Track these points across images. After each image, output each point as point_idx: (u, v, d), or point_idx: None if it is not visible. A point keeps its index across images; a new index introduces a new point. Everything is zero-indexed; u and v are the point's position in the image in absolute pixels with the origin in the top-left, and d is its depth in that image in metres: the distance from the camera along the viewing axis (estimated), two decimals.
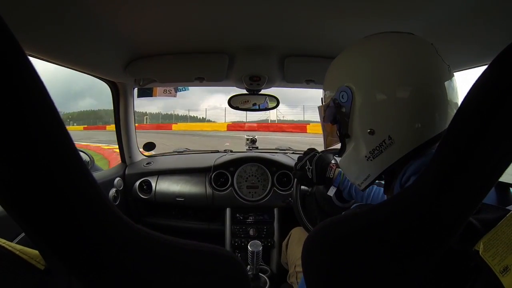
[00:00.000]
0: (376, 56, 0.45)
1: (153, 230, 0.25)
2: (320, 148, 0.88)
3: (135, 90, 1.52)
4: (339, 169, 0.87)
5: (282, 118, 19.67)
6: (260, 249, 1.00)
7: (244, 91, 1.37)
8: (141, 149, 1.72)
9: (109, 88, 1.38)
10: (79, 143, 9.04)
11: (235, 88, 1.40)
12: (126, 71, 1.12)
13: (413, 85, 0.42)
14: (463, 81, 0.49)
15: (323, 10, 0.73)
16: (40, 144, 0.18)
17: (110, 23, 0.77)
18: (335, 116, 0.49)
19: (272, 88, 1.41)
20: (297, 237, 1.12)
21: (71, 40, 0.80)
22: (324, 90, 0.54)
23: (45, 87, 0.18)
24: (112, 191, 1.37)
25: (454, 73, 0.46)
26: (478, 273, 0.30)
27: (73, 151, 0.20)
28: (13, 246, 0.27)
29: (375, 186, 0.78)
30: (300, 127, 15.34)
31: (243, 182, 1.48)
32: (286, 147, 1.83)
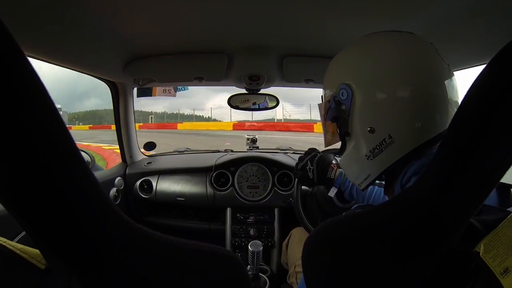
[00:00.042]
0: (376, 55, 0.45)
1: (154, 229, 0.25)
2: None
3: (135, 90, 1.52)
4: (340, 170, 0.87)
5: (288, 117, 19.54)
6: (261, 249, 1.00)
7: (244, 91, 1.37)
8: (142, 149, 1.72)
9: None
10: (80, 143, 9.01)
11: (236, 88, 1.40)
12: (125, 71, 1.12)
13: (413, 84, 0.42)
14: (463, 80, 0.49)
15: (322, 10, 0.73)
16: (40, 143, 0.18)
17: (109, 23, 0.77)
18: (335, 114, 0.49)
19: (277, 87, 1.41)
20: (298, 237, 1.12)
21: (70, 40, 0.80)
22: (324, 87, 0.54)
23: (45, 87, 0.18)
24: (113, 191, 1.37)
25: (454, 73, 0.46)
26: (478, 274, 0.30)
27: (74, 151, 0.20)
28: (14, 245, 0.27)
29: (376, 187, 0.78)
30: (306, 126, 15.05)
31: (244, 182, 1.48)
32: (286, 147, 1.83)
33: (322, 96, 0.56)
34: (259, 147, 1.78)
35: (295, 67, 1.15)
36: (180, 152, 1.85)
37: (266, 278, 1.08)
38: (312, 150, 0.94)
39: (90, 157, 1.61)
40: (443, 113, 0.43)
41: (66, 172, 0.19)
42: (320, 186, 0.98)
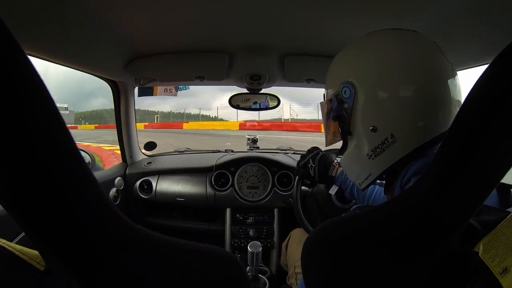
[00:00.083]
0: (379, 52, 0.44)
1: (153, 230, 0.25)
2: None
3: (136, 89, 1.52)
4: (342, 169, 0.87)
5: (296, 117, 19.39)
6: (260, 250, 1.00)
7: (245, 91, 1.37)
8: (144, 150, 1.72)
9: None
10: (81, 143, 8.99)
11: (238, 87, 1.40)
12: (126, 70, 1.12)
13: (416, 83, 0.41)
14: (464, 81, 0.49)
15: (323, 10, 0.73)
16: (40, 143, 0.18)
17: (110, 22, 0.77)
18: (337, 112, 0.49)
19: (279, 86, 1.41)
20: (297, 238, 1.12)
21: (71, 39, 0.80)
22: (327, 86, 0.53)
23: (45, 87, 0.18)
24: (113, 191, 1.37)
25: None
26: (478, 274, 0.30)
27: (74, 151, 0.20)
28: (13, 246, 0.27)
29: (377, 187, 0.78)
30: (314, 126, 14.86)
31: (244, 182, 1.48)
32: (287, 147, 1.83)
33: (324, 94, 0.55)
34: (260, 147, 1.78)
35: (296, 67, 1.14)
36: (180, 152, 1.85)
37: (266, 279, 1.08)
38: (314, 148, 0.94)
39: (90, 157, 1.61)
40: (446, 113, 0.42)
41: (66, 172, 0.19)
42: (320, 187, 0.98)
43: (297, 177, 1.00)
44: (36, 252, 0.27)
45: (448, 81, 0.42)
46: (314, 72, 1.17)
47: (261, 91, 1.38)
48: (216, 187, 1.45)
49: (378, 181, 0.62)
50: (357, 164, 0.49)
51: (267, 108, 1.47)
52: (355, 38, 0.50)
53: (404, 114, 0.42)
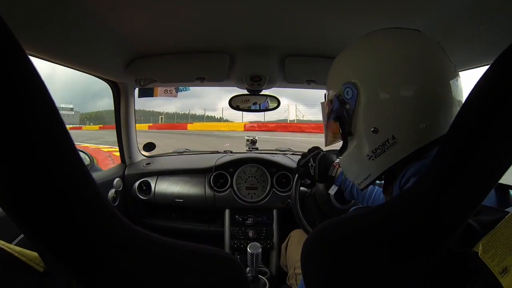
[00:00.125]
0: (382, 53, 0.44)
1: (152, 231, 0.25)
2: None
3: (136, 90, 1.52)
4: (342, 169, 0.87)
5: (302, 118, 19.23)
6: (260, 251, 1.00)
7: (245, 92, 1.37)
8: (143, 151, 1.72)
9: None
10: (80, 144, 8.90)
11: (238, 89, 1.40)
12: (127, 71, 1.12)
13: (419, 84, 0.41)
14: (463, 81, 0.49)
15: (323, 10, 0.73)
16: (39, 144, 0.18)
17: (111, 23, 0.77)
18: (338, 113, 0.49)
19: (279, 87, 1.41)
20: (297, 239, 1.12)
21: (72, 39, 0.80)
22: (328, 86, 0.53)
23: (46, 87, 0.18)
24: (111, 192, 1.36)
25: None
26: (477, 274, 0.30)
27: (73, 152, 0.20)
28: (12, 247, 0.27)
29: (376, 187, 0.78)
30: (320, 127, 14.30)
31: (243, 183, 1.48)
32: (286, 147, 1.83)
33: (325, 94, 0.55)
34: (259, 148, 1.79)
35: (296, 68, 1.15)
36: (179, 153, 1.85)
37: (266, 280, 1.08)
38: (315, 148, 0.94)
39: (89, 158, 1.61)
40: (447, 116, 0.42)
41: (65, 173, 0.19)
42: (319, 188, 0.98)
43: (296, 176, 1.00)
44: (35, 254, 0.27)
45: (451, 83, 0.42)
46: (314, 73, 1.17)
47: (261, 93, 1.38)
48: (215, 188, 1.45)
49: (377, 181, 0.62)
50: (357, 165, 0.49)
51: (267, 109, 1.47)
52: (356, 39, 0.49)
53: (405, 116, 0.42)
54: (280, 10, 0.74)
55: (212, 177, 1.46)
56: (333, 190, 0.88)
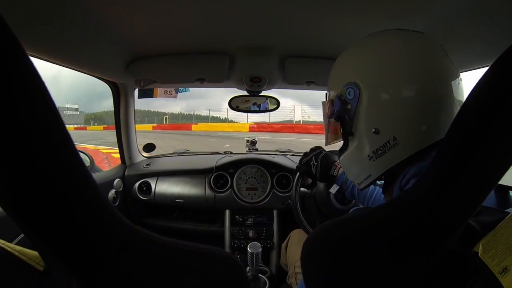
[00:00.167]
0: (385, 54, 0.44)
1: (153, 231, 0.25)
2: None
3: (136, 91, 1.52)
4: None
5: (307, 119, 18.94)
6: (260, 250, 1.00)
7: (245, 93, 1.37)
8: (143, 152, 1.72)
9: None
10: (80, 145, 8.82)
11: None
12: (126, 72, 1.12)
13: (422, 86, 0.41)
14: (464, 82, 0.49)
15: (323, 11, 0.73)
16: (38, 144, 0.18)
17: (111, 23, 0.78)
18: (339, 113, 0.48)
19: (278, 88, 1.41)
20: (297, 239, 1.12)
21: (72, 40, 0.80)
22: (330, 85, 0.53)
23: (46, 87, 0.18)
24: (112, 192, 1.36)
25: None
26: (478, 274, 0.30)
27: (73, 152, 0.20)
28: (12, 247, 0.27)
29: (377, 187, 0.78)
30: None
31: (243, 184, 1.48)
32: (286, 148, 1.83)
33: (326, 93, 0.55)
34: (259, 149, 1.79)
35: (296, 69, 1.15)
36: (179, 154, 1.85)
37: (266, 279, 1.08)
38: (318, 147, 0.95)
39: (89, 158, 1.61)
40: (449, 119, 0.42)
41: (65, 173, 0.19)
42: (320, 188, 0.98)
43: (298, 174, 1.01)
44: (35, 253, 0.27)
45: (453, 86, 0.42)
46: (314, 74, 1.17)
47: (261, 93, 1.38)
48: (215, 189, 1.45)
49: (378, 182, 0.61)
50: (357, 165, 0.49)
51: (266, 110, 1.47)
52: (356, 40, 0.49)
53: (407, 117, 0.42)
54: (280, 11, 0.74)
55: (212, 177, 1.46)
56: (334, 189, 0.88)
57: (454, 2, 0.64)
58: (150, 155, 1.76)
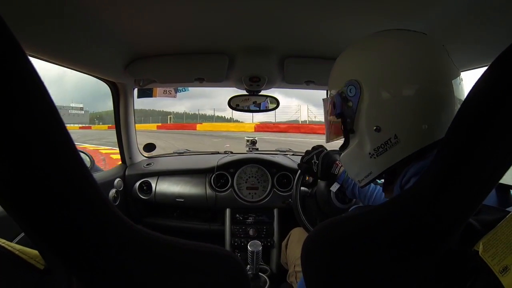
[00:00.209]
0: (388, 53, 0.44)
1: (153, 230, 0.26)
2: None
3: (135, 90, 1.52)
4: None
5: (314, 119, 18.69)
6: (260, 249, 1.00)
7: (244, 92, 1.37)
8: (143, 152, 1.72)
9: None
10: (80, 145, 8.73)
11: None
12: (126, 72, 1.12)
13: (423, 86, 0.41)
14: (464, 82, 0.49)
15: (322, 11, 0.73)
16: (37, 144, 0.18)
17: (110, 23, 0.77)
18: (340, 110, 0.48)
19: (278, 88, 1.41)
20: (297, 237, 1.12)
21: (71, 40, 0.80)
22: (331, 83, 0.53)
23: (45, 88, 0.18)
24: (112, 192, 1.37)
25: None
26: (478, 273, 0.30)
27: (73, 152, 0.20)
28: (13, 246, 0.27)
29: (378, 186, 0.78)
30: None
31: (243, 183, 1.48)
32: (286, 148, 1.84)
33: (327, 91, 0.55)
34: (259, 149, 1.79)
35: (295, 68, 1.15)
36: (180, 154, 1.85)
37: (266, 278, 1.08)
38: (319, 146, 0.95)
39: (90, 158, 1.61)
40: (450, 118, 0.42)
41: (65, 173, 0.19)
42: (320, 187, 0.98)
43: (299, 172, 1.01)
44: (35, 252, 0.27)
45: (454, 86, 0.42)
46: (313, 74, 1.18)
47: (261, 93, 1.38)
48: (216, 188, 1.46)
49: (378, 181, 0.61)
50: (358, 162, 0.49)
51: (266, 109, 1.47)
52: (355, 40, 0.49)
53: (408, 116, 0.42)
54: (279, 11, 0.74)
55: (213, 177, 1.47)
56: (334, 187, 0.89)
57: (454, 2, 0.64)
58: (151, 155, 1.76)
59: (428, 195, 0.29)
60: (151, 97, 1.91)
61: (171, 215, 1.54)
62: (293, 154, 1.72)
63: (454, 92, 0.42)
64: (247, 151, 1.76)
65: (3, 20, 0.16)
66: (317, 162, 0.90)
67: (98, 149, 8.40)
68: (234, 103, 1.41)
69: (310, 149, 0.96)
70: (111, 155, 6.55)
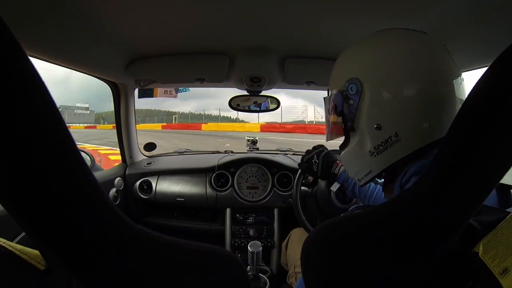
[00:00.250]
0: (389, 52, 0.44)
1: (153, 230, 0.26)
2: None
3: (136, 90, 1.52)
4: None
5: (320, 119, 18.50)
6: (260, 249, 1.00)
7: (245, 92, 1.37)
8: (143, 151, 1.72)
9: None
10: (80, 145, 8.57)
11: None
12: (126, 72, 1.12)
13: (424, 85, 0.41)
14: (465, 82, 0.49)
15: (323, 12, 0.73)
16: (37, 144, 0.18)
17: (111, 24, 0.78)
18: (341, 108, 0.49)
19: (278, 88, 1.41)
20: (297, 238, 1.12)
21: (71, 40, 0.80)
22: (332, 81, 0.53)
23: (46, 88, 0.18)
24: (113, 191, 1.37)
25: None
26: (478, 275, 0.30)
27: (73, 151, 0.20)
28: (13, 246, 0.27)
29: (378, 186, 0.78)
30: None
31: (244, 183, 1.48)
32: (286, 148, 1.84)
33: (328, 89, 0.55)
34: (259, 148, 1.79)
35: (296, 69, 1.15)
36: (180, 153, 1.85)
37: (266, 279, 1.08)
38: (320, 146, 0.95)
39: (90, 157, 1.61)
40: (451, 117, 0.41)
41: (65, 173, 0.19)
42: (321, 187, 0.98)
43: (299, 171, 1.01)
44: (36, 252, 0.27)
45: (455, 85, 0.42)
46: (314, 75, 1.18)
47: (261, 94, 1.38)
48: (216, 188, 1.46)
49: (379, 180, 0.61)
50: (358, 161, 0.49)
51: (267, 109, 1.46)
52: (355, 40, 0.49)
53: (409, 114, 0.42)
54: (279, 12, 0.74)
55: (213, 176, 1.46)
56: (335, 187, 0.89)
57: (454, 2, 0.64)
58: (151, 154, 1.76)
59: (428, 195, 0.29)
60: (152, 97, 1.91)
61: (172, 215, 1.54)
62: (293, 154, 1.72)
63: (455, 92, 0.42)
64: (247, 150, 1.76)
65: (3, 20, 0.16)
66: (318, 162, 0.90)
67: (97, 150, 8.31)
68: (235, 103, 1.41)
69: (311, 148, 0.96)
70: (109, 156, 6.45)
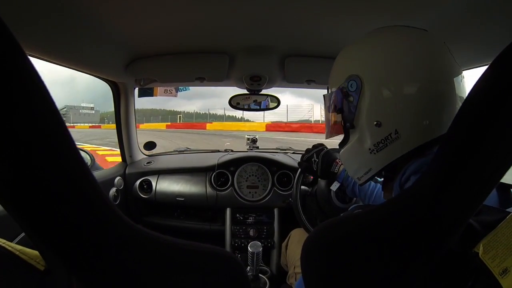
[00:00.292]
0: (389, 49, 0.44)
1: (153, 229, 0.26)
2: None
3: (136, 89, 1.52)
4: None
5: None
6: (260, 250, 1.00)
7: (245, 91, 1.37)
8: (143, 150, 1.72)
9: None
10: (80, 145, 8.57)
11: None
12: (126, 71, 1.12)
13: (424, 82, 0.41)
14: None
15: (323, 11, 0.73)
16: (37, 144, 0.18)
17: (111, 23, 0.77)
18: (341, 105, 0.48)
19: (279, 87, 1.41)
20: (297, 238, 1.12)
21: (71, 40, 0.80)
22: (332, 78, 0.53)
23: (46, 88, 0.18)
24: (112, 191, 1.37)
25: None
26: (478, 275, 0.30)
27: (73, 151, 0.20)
28: (13, 246, 0.27)
29: (378, 185, 0.78)
30: None
31: (244, 182, 1.48)
32: (286, 146, 1.83)
33: (328, 87, 0.55)
34: (259, 147, 1.79)
35: (296, 68, 1.15)
36: (180, 152, 1.85)
37: (266, 279, 1.08)
38: (320, 144, 0.95)
39: (90, 157, 1.61)
40: (451, 114, 0.42)
41: (65, 173, 0.19)
42: (321, 186, 0.98)
43: (299, 170, 1.01)
44: (36, 252, 0.27)
45: (456, 83, 0.42)
46: (314, 73, 1.17)
47: (261, 92, 1.38)
48: (216, 187, 1.46)
49: (378, 179, 0.61)
50: (358, 158, 0.49)
51: (267, 108, 1.46)
52: (355, 39, 0.49)
53: (409, 111, 0.42)
54: (279, 10, 0.74)
55: (213, 175, 1.46)
56: (335, 186, 0.89)
57: (454, 2, 0.64)
58: (151, 153, 1.76)
59: (428, 195, 0.29)
60: (152, 96, 1.91)
61: (171, 215, 1.54)
62: (293, 153, 1.72)
63: (456, 90, 0.42)
64: (247, 149, 1.76)
65: (3, 20, 0.16)
66: (317, 161, 0.90)
67: (96, 150, 8.18)
68: (235, 102, 1.41)
69: (310, 147, 0.96)
70: (106, 157, 6.31)
